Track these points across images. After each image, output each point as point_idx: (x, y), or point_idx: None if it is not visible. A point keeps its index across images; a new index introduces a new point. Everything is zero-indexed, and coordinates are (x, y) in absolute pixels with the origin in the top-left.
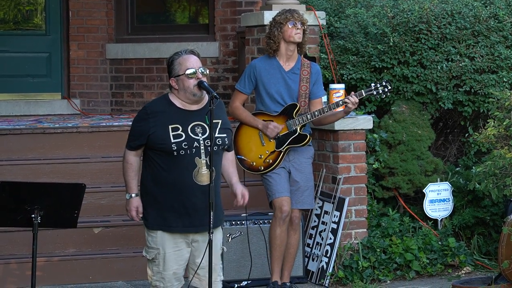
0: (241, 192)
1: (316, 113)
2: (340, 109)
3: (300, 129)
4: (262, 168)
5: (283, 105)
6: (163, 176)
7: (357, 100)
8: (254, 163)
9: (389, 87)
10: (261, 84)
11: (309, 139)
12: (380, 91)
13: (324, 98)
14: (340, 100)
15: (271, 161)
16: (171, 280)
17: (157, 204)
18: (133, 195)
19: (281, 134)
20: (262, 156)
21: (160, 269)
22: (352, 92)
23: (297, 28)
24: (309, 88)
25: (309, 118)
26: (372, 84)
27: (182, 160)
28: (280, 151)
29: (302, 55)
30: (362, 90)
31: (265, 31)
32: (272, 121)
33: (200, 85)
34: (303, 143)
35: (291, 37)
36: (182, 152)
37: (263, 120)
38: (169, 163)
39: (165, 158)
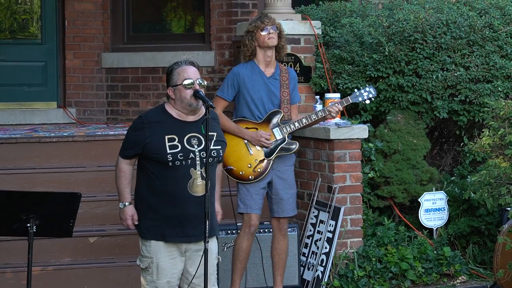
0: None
1: (304, 120)
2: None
3: (288, 136)
4: (252, 177)
5: (265, 111)
6: (157, 186)
7: (341, 108)
8: (243, 173)
9: (373, 93)
10: (245, 90)
11: (298, 146)
12: (365, 97)
13: (320, 107)
14: (326, 108)
15: (261, 170)
16: None
17: (151, 214)
18: (126, 203)
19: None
20: (251, 165)
21: (154, 278)
22: (337, 100)
23: (270, 33)
24: (289, 93)
25: (297, 126)
26: (356, 90)
27: (177, 171)
28: (270, 160)
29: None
30: (349, 97)
31: None
32: (257, 128)
33: (196, 94)
34: (293, 151)
35: (265, 42)
36: (177, 163)
37: (247, 127)
38: (164, 173)
39: (160, 168)
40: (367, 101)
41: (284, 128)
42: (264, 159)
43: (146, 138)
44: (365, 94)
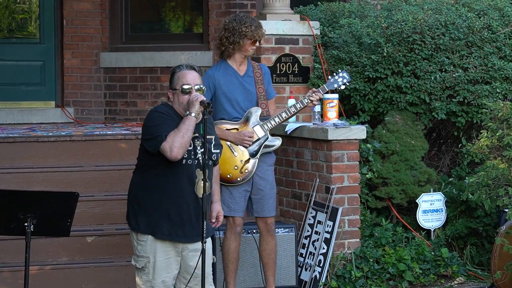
0: (217, 214)
1: (284, 115)
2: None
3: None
4: (240, 179)
5: (242, 111)
6: (163, 183)
7: (321, 96)
8: (230, 175)
9: (347, 78)
10: (220, 92)
11: (280, 141)
12: (340, 83)
13: (318, 108)
14: (305, 99)
15: (247, 170)
16: None
17: (151, 211)
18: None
19: (253, 141)
20: (238, 167)
21: (150, 277)
22: (313, 89)
23: (255, 45)
24: (265, 89)
25: (277, 121)
26: (330, 77)
27: (186, 169)
28: (256, 159)
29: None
30: (324, 85)
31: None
32: (237, 129)
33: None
34: (276, 147)
35: (247, 51)
36: (189, 161)
37: (227, 129)
38: (174, 171)
39: (170, 165)
40: (342, 87)
41: (265, 125)
42: (249, 159)
43: (166, 127)
44: (340, 80)
